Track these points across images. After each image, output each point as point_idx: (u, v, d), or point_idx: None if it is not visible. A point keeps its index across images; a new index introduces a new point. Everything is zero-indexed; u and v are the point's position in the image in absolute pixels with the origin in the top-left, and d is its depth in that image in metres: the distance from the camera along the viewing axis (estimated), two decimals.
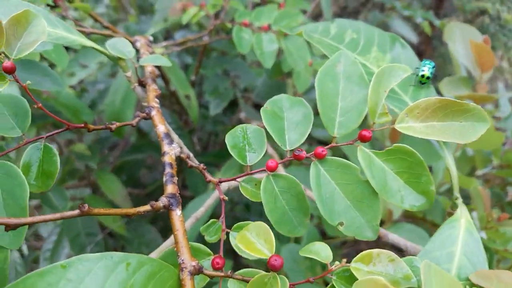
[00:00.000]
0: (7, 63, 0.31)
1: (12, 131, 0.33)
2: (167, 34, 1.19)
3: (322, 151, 0.33)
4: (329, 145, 0.34)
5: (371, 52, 0.38)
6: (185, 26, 1.17)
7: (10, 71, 0.31)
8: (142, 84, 0.43)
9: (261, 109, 0.36)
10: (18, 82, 0.32)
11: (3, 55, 0.31)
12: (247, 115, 1.01)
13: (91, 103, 0.93)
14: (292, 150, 0.34)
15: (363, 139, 0.33)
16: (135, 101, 0.87)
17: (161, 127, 0.38)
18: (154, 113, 0.39)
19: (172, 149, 0.36)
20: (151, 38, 0.58)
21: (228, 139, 0.36)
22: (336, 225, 0.33)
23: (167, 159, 0.36)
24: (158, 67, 0.50)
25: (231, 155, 0.34)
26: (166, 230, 1.12)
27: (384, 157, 0.33)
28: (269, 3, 0.75)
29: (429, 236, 0.51)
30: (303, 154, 0.33)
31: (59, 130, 0.35)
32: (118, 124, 0.37)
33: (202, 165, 0.37)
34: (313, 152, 0.33)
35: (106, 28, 0.66)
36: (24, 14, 0.33)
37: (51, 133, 0.34)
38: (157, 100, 0.41)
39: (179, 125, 1.08)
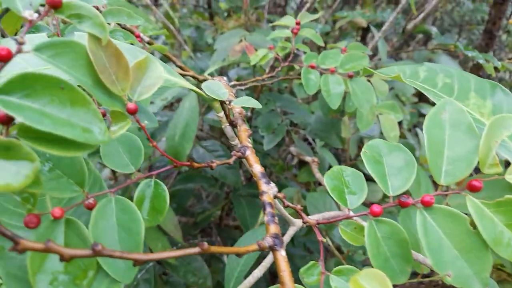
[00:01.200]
0: (131, 105, 0.33)
1: (126, 167, 0.35)
2: (221, 71, 1.24)
3: (430, 199, 0.33)
4: (436, 193, 0.34)
5: (470, 98, 0.39)
6: (237, 64, 1.21)
7: (133, 112, 0.33)
8: (233, 124, 0.45)
9: (362, 153, 0.37)
10: (138, 122, 0.34)
11: (126, 97, 0.34)
12: (299, 149, 1.02)
13: (151, 135, 0.97)
14: (396, 196, 0.34)
15: (472, 189, 0.32)
16: (194, 136, 0.90)
17: (257, 167, 0.39)
18: (248, 152, 0.40)
19: (270, 189, 0.37)
20: (225, 78, 0.61)
21: (327, 181, 0.36)
22: (443, 275, 0.32)
23: (266, 198, 0.36)
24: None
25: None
26: (212, 259, 1.12)
27: (494, 208, 0.32)
28: (332, 47, 0.78)
29: None
30: (410, 201, 0.33)
31: (168, 167, 0.36)
32: (217, 162, 0.39)
33: (299, 206, 0.38)
34: (419, 199, 0.33)
35: (179, 67, 0.70)
36: (144, 60, 0.36)
37: (160, 170, 0.36)
38: (250, 140, 0.42)
39: (229, 157, 1.10)
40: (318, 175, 0.86)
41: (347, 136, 0.93)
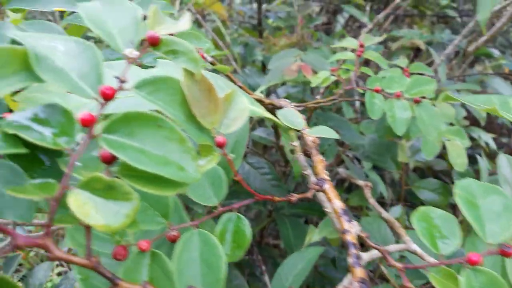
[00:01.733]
0: (220, 138, 0.33)
1: (209, 200, 0.35)
2: (269, 89, 1.24)
3: None
4: None
5: None
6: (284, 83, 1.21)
7: (222, 145, 0.33)
8: (307, 154, 0.44)
9: (456, 195, 0.34)
10: (225, 155, 0.34)
11: (215, 130, 0.33)
12: (350, 171, 1.00)
13: None
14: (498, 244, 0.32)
15: None
16: (243, 153, 0.90)
17: (337, 203, 0.38)
18: (327, 186, 0.39)
19: (353, 227, 0.36)
20: (289, 101, 0.60)
21: (415, 223, 0.34)
22: None
23: (349, 238, 0.35)
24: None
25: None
26: (253, 276, 1.10)
27: None
28: (394, 67, 0.76)
29: None
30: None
31: (250, 200, 0.36)
32: (296, 196, 0.38)
33: (382, 247, 0.36)
34: None
35: (240, 88, 0.70)
36: (231, 93, 0.36)
37: (241, 203, 0.35)
38: (327, 172, 0.41)
39: (275, 176, 1.09)
40: (371, 200, 0.83)
41: (404, 161, 0.89)
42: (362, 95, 0.76)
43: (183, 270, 0.33)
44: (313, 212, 1.00)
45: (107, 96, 0.27)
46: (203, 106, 0.32)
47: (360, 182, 0.89)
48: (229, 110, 0.35)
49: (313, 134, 0.43)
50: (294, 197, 0.38)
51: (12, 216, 0.36)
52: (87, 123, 0.26)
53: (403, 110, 0.64)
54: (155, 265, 0.32)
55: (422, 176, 1.19)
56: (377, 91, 0.66)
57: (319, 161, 0.42)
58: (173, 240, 0.33)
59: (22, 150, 0.26)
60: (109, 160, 0.27)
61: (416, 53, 1.42)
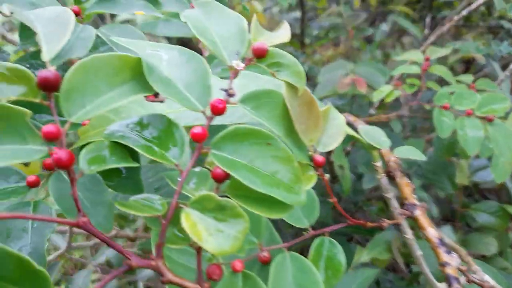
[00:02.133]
0: (319, 157, 0.31)
1: (300, 221, 0.33)
2: None
3: None
4: None
5: None
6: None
7: (320, 165, 0.31)
8: (390, 176, 0.41)
9: None
10: (322, 176, 0.32)
11: (312, 148, 0.32)
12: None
13: None
14: None
15: None
16: None
17: (432, 231, 0.35)
18: (418, 212, 0.36)
19: (453, 259, 0.33)
20: (351, 116, 0.58)
21: None
22: None
23: (450, 271, 0.32)
24: None
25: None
26: None
27: None
28: (459, 84, 0.72)
29: None
30: None
31: (342, 224, 0.34)
32: (388, 222, 0.35)
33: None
34: None
35: None
36: (327, 108, 0.34)
37: (334, 227, 0.33)
38: (415, 196, 0.38)
39: (321, 191, 1.06)
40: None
41: (463, 182, 0.85)
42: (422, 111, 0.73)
43: None
44: (360, 231, 0.97)
45: (218, 111, 0.26)
46: (303, 121, 0.30)
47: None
48: (327, 127, 0.33)
49: (399, 155, 0.41)
50: (386, 222, 0.35)
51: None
52: (199, 138, 0.25)
53: (475, 129, 0.61)
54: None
55: (469, 195, 1.14)
56: (446, 108, 0.63)
57: (406, 184, 0.40)
58: (265, 262, 0.31)
59: (135, 164, 0.24)
60: (222, 179, 0.25)
61: (467, 66, 1.37)
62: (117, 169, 0.35)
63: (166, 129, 0.27)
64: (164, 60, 0.28)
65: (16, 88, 0.23)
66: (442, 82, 0.77)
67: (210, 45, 0.29)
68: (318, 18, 1.44)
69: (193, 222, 0.23)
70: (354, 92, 0.97)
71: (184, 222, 0.23)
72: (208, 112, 0.26)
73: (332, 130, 0.33)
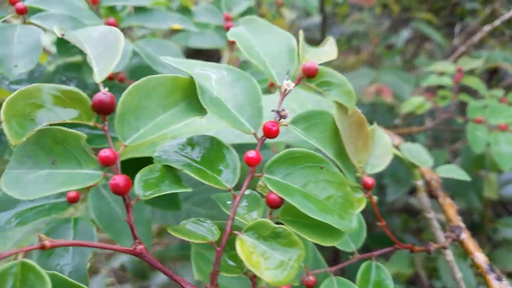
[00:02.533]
0: (369, 180, 0.30)
1: (346, 245, 0.32)
2: None
3: None
4: None
5: None
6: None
7: (370, 187, 0.30)
8: (432, 195, 0.40)
9: None
10: (370, 198, 0.31)
11: (361, 169, 0.31)
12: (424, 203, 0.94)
13: None
14: None
15: None
16: None
17: (480, 256, 0.34)
18: (464, 236, 0.35)
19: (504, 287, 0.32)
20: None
21: None
22: None
23: None
24: None
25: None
26: None
27: None
28: (490, 98, 0.70)
29: None
30: None
31: (390, 248, 0.32)
32: (435, 245, 0.34)
33: None
34: None
35: None
36: (373, 127, 0.33)
37: (382, 251, 0.32)
38: (460, 218, 0.37)
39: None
40: (439, 234, 0.77)
41: (492, 196, 0.82)
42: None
43: None
44: (379, 244, 0.95)
45: (271, 133, 0.25)
46: (352, 142, 0.30)
47: (442, 218, 0.83)
48: (374, 146, 0.32)
49: (442, 174, 0.39)
50: (433, 246, 0.34)
51: (129, 243, 0.35)
52: (253, 163, 0.24)
53: (509, 145, 0.59)
54: None
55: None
56: (479, 122, 0.61)
57: (449, 205, 0.38)
58: (310, 286, 0.30)
59: (188, 189, 0.24)
60: (277, 205, 0.24)
61: (490, 75, 1.34)
62: None
63: (216, 150, 0.26)
64: (213, 79, 0.27)
65: (70, 111, 0.23)
66: (471, 93, 0.75)
67: (258, 64, 0.28)
68: (337, 23, 1.43)
69: (248, 250, 0.22)
70: (375, 101, 0.96)
71: (240, 250, 0.22)
72: (260, 133, 0.26)
73: (379, 150, 0.32)
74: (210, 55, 1.15)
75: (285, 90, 0.27)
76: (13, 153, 0.23)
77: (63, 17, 0.34)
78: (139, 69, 0.46)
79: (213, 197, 0.27)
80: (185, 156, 0.26)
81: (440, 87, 0.75)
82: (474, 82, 0.65)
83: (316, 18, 1.54)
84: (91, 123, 0.23)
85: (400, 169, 0.92)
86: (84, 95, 0.23)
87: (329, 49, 0.31)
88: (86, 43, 0.26)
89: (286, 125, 0.27)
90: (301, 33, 0.30)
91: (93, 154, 0.23)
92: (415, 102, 0.66)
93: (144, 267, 1.00)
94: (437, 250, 0.35)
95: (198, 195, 0.43)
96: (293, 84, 0.27)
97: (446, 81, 0.65)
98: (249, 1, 0.57)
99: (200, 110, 0.25)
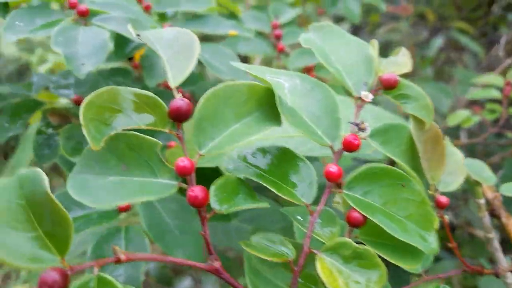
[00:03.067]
0: (443, 199, 0.28)
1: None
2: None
3: None
4: None
5: None
6: None
7: (444, 206, 0.28)
8: (493, 214, 0.38)
9: None
10: (442, 218, 0.29)
11: (433, 187, 0.29)
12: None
13: None
14: None
15: None
16: None
17: None
18: None
19: None
20: None
21: None
22: None
23: None
24: None
25: None
26: None
27: None
28: None
29: None
30: None
31: (457, 271, 0.30)
32: (487, 271, 0.32)
33: None
34: None
35: None
36: (444, 142, 0.31)
37: (449, 273, 0.30)
38: None
39: None
40: (499, 254, 0.74)
41: None
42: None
43: None
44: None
45: (352, 147, 0.23)
46: (427, 158, 0.28)
47: (481, 234, 0.79)
48: (447, 164, 0.30)
49: (507, 192, 0.37)
50: (502, 270, 0.31)
51: (181, 255, 0.34)
52: (334, 178, 0.23)
53: None
54: None
55: None
56: None
57: None
58: None
59: (264, 204, 0.22)
60: (360, 223, 0.23)
61: None
62: None
63: (288, 162, 0.25)
64: (286, 88, 0.26)
65: (146, 116, 0.22)
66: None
67: (335, 72, 0.27)
68: (368, 32, 1.41)
69: (329, 270, 0.21)
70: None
71: (320, 270, 0.21)
72: (337, 147, 0.24)
73: (452, 167, 0.30)
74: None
75: (363, 101, 0.26)
76: (80, 157, 0.22)
77: (124, 20, 0.34)
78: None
79: (282, 210, 0.25)
80: (256, 167, 0.24)
81: (489, 100, 0.72)
82: None
83: (346, 26, 1.52)
84: (166, 130, 0.22)
85: None
86: (160, 101, 0.22)
87: (402, 60, 0.29)
88: (158, 44, 0.25)
89: (365, 139, 0.25)
90: (375, 42, 0.29)
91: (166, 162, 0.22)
92: (462, 115, 0.63)
93: (168, 274, 0.99)
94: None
95: (247, 212, 0.41)
96: (371, 96, 0.26)
97: (495, 94, 0.62)
98: (296, 10, 0.56)
99: (275, 119, 0.24)
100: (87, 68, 0.28)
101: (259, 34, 0.53)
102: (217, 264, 0.20)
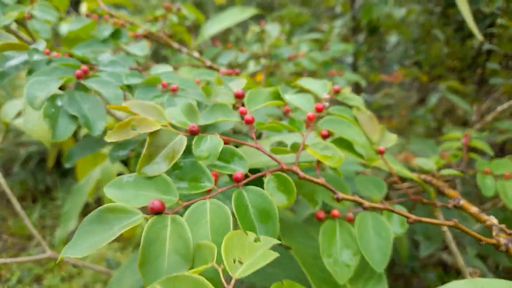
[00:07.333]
0: (382, 149, 0.51)
1: None
2: None
3: None
4: None
5: None
6: None
7: (383, 152, 0.51)
8: (440, 191, 0.57)
9: None
10: (383, 158, 0.51)
11: (375, 145, 0.52)
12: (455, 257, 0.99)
13: None
14: None
15: None
16: None
17: None
18: None
19: None
20: None
21: None
22: None
23: None
24: None
25: None
26: None
27: None
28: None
29: None
30: None
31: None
32: None
33: None
34: None
35: None
36: (382, 126, 0.55)
37: None
38: None
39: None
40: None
41: None
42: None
43: None
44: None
45: (319, 109, 0.49)
46: (367, 128, 0.52)
47: (466, 269, 0.89)
48: (383, 137, 0.53)
49: None
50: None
51: None
52: (311, 118, 0.47)
53: None
54: None
55: None
56: (487, 172, 0.78)
57: None
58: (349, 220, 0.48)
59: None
60: (327, 136, 0.46)
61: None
62: None
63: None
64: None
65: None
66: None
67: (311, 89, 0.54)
68: (370, 90, 1.57)
69: (314, 151, 0.44)
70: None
71: (310, 152, 0.44)
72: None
73: (387, 139, 0.53)
74: None
75: (325, 98, 0.52)
76: None
77: (196, 94, 0.64)
78: None
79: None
80: None
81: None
82: (480, 145, 0.85)
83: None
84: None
85: (431, 226, 1.01)
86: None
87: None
88: None
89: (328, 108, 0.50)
90: (329, 83, 0.56)
91: None
92: (434, 160, 0.86)
93: None
94: None
95: None
96: (328, 96, 0.52)
97: (456, 144, 0.86)
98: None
99: (279, 99, 0.50)
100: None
101: None
102: None
